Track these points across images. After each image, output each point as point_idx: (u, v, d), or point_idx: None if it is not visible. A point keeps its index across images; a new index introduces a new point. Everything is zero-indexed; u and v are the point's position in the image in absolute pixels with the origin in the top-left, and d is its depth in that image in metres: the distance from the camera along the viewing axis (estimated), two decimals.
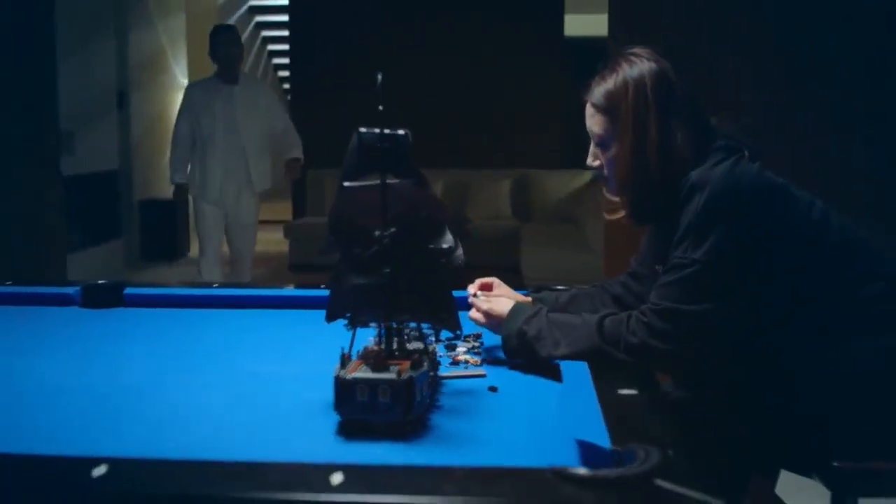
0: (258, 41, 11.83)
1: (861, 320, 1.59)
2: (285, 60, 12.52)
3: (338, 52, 8.28)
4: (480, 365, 1.71)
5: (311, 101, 8.44)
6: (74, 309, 2.24)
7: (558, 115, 8.33)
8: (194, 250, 8.68)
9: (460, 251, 1.50)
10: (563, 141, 8.50)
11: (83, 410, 1.44)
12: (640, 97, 1.66)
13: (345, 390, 1.31)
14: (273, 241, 8.79)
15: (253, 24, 11.51)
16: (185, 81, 9.03)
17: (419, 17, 8.16)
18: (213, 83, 5.15)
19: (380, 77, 1.39)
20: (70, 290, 2.28)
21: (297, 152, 5.33)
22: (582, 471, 1.05)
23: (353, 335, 1.44)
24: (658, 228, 1.81)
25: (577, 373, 1.52)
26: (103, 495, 1.04)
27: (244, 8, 11.13)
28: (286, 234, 7.91)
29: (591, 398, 1.37)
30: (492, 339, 1.83)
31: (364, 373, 1.32)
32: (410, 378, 1.31)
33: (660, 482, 1.02)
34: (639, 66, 1.69)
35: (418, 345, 1.47)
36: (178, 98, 8.85)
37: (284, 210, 10.92)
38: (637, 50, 1.72)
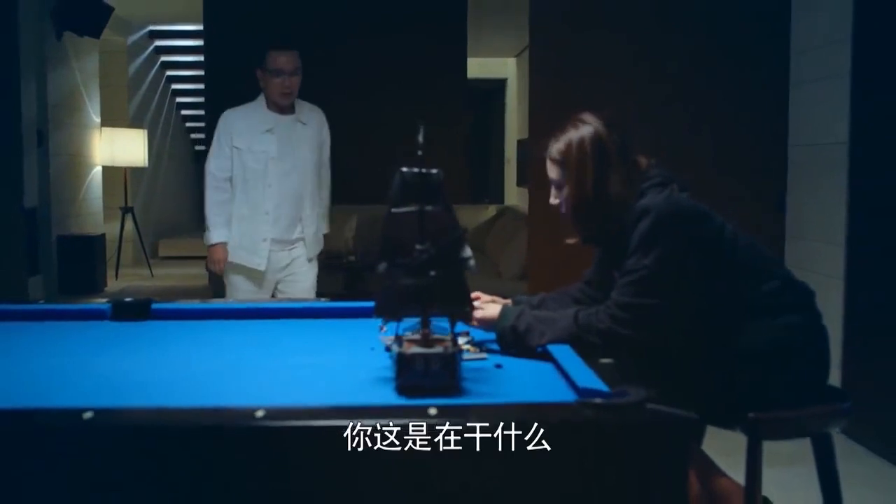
0: (162, 81, 12.02)
1: (763, 308, 2.15)
2: (193, 100, 12.78)
3: (250, 92, 8.62)
4: (478, 352, 2.18)
5: None
6: (107, 322, 2.59)
7: (463, 153, 8.92)
8: (111, 285, 8.84)
9: (473, 260, 1.98)
10: (468, 177, 9.09)
11: (212, 384, 1.86)
12: (581, 153, 2.22)
13: (406, 362, 1.76)
14: (190, 275, 9.07)
15: (158, 64, 11.71)
16: (97, 120, 9.21)
17: (328, 56, 8.59)
18: (260, 112, 3.97)
19: (422, 128, 1.87)
20: (102, 306, 2.63)
21: (324, 225, 4.19)
22: (598, 400, 1.54)
23: (398, 325, 1.89)
24: (605, 246, 2.34)
25: (563, 352, 2.01)
26: (264, 429, 1.47)
27: (151, 48, 11.33)
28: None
29: (580, 365, 1.87)
30: (479, 334, 2.30)
31: (419, 349, 1.77)
32: (454, 352, 1.77)
33: (651, 406, 1.52)
34: (581, 129, 2.24)
35: (438, 334, 1.93)
36: (93, 137, 9.08)
37: (192, 246, 11.13)
38: (583, 116, 2.27)
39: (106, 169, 9.38)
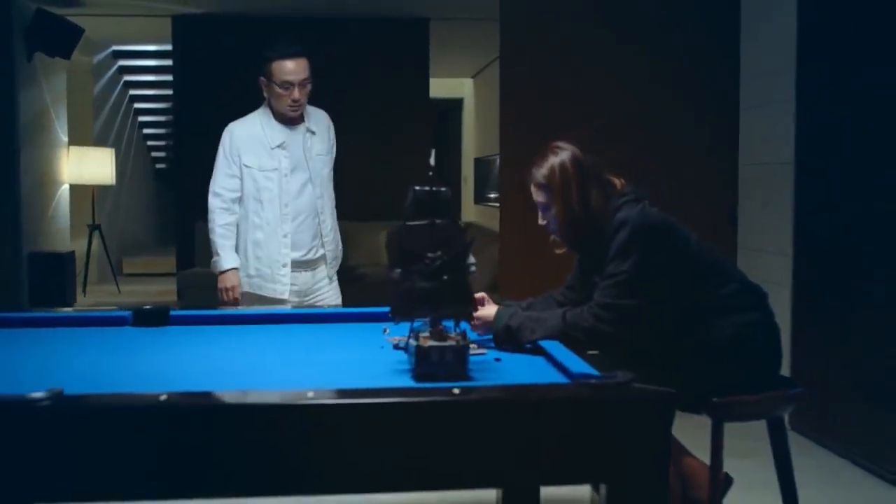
0: (125, 101, 12.14)
1: (724, 307, 2.47)
2: (155, 119, 12.92)
3: (216, 115, 8.80)
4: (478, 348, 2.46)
5: (193, 153, 8.92)
6: (128, 328, 2.81)
7: (426, 169, 9.23)
8: (80, 301, 8.95)
9: (475, 267, 2.26)
10: None
11: (252, 374, 2.13)
12: (564, 175, 2.52)
13: (423, 354, 2.03)
14: (158, 291, 9.20)
15: (121, 84, 11.83)
16: (65, 139, 9.32)
17: None
18: (268, 125, 3.59)
19: (433, 152, 2.15)
20: (123, 313, 2.86)
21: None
22: (593, 380, 1.83)
23: (410, 325, 2.16)
24: (589, 255, 2.64)
25: (554, 346, 2.30)
26: (313, 406, 1.73)
27: (114, 68, 11.45)
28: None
29: (571, 356, 2.16)
30: (473, 334, 2.58)
31: (435, 342, 2.05)
32: (465, 345, 2.05)
33: (637, 385, 1.82)
34: (560, 154, 2.54)
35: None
36: (62, 155, 9.20)
37: (155, 263, 11.27)
38: (559, 143, 2.58)
39: (72, 187, 9.50)
